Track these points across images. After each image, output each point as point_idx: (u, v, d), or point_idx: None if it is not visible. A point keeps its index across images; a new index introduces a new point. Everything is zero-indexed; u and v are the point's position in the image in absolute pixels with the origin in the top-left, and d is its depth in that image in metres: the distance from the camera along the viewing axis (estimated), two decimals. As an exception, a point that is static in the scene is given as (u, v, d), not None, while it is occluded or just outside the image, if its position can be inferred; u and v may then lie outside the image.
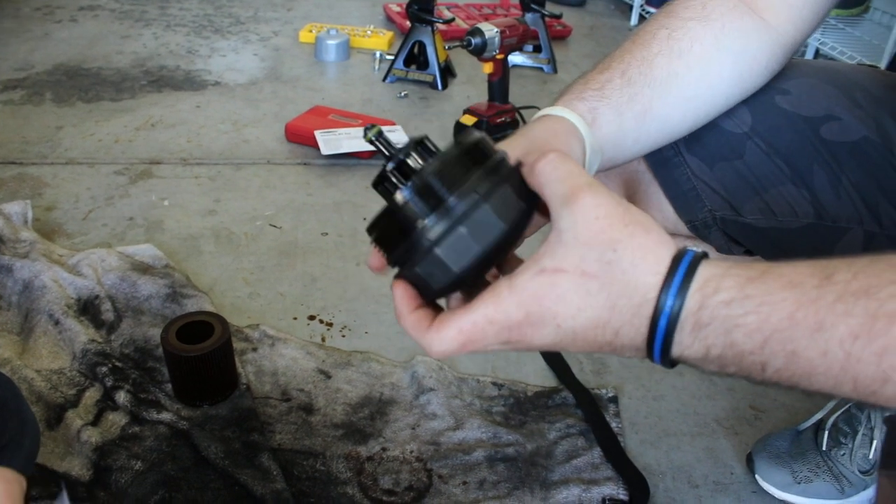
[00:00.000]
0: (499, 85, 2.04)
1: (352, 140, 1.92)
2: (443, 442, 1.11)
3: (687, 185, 0.88)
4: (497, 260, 0.57)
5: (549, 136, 0.67)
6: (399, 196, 0.51)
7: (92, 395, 1.16)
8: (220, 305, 1.38)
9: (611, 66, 0.76)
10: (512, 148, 0.65)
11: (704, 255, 0.50)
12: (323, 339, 1.32)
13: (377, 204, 0.52)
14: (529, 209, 0.54)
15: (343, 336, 1.33)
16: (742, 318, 0.48)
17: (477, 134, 0.55)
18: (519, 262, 0.59)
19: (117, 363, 1.20)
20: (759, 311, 0.47)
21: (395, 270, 0.56)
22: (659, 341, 0.50)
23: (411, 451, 1.09)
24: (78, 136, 2.02)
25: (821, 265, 0.48)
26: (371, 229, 0.55)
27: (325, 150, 1.88)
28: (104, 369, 1.18)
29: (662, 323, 0.49)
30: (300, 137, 2.00)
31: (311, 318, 1.37)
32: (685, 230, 0.91)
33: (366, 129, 0.56)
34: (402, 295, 0.55)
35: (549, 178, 0.52)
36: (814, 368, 0.46)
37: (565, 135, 0.68)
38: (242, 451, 1.06)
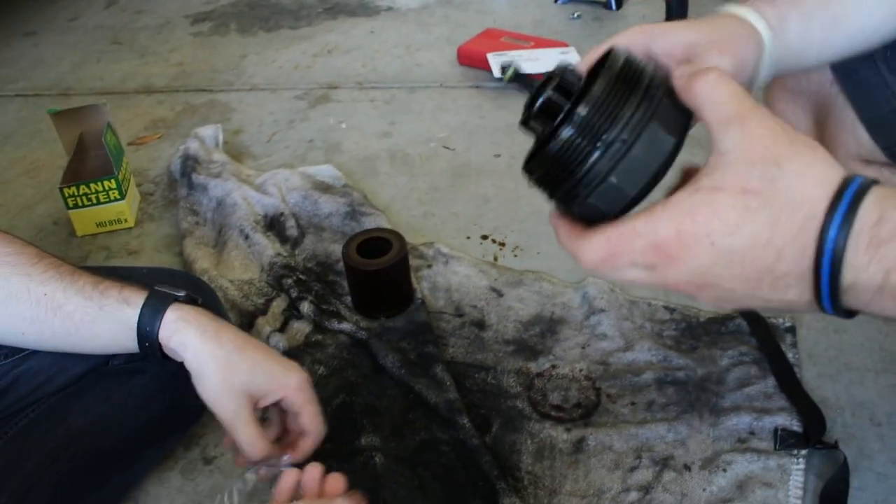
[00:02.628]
0: (677, 4, 1.96)
1: (524, 62, 1.90)
2: (612, 362, 1.11)
3: (886, 108, 0.81)
4: (660, 179, 0.56)
5: (727, 37, 0.64)
6: (561, 135, 0.51)
7: (279, 304, 1.24)
8: (396, 224, 1.42)
9: None
10: (686, 33, 0.62)
11: (876, 181, 0.46)
12: (495, 259, 1.34)
13: (548, 128, 0.52)
14: (688, 124, 0.53)
15: (515, 256, 1.35)
16: None
17: (621, 51, 0.53)
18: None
19: (301, 276, 1.27)
20: None
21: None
22: (827, 260, 0.45)
23: (580, 370, 1.11)
24: (260, 64, 2.12)
25: None
26: (530, 170, 0.55)
27: (497, 73, 1.87)
28: (289, 281, 1.25)
29: (831, 235, 0.44)
30: (472, 60, 2.00)
31: (484, 237, 1.40)
32: (882, 157, 0.85)
33: (503, 67, 0.55)
34: (559, 215, 0.56)
35: (709, 99, 0.49)
36: None
37: (745, 41, 0.65)
38: (418, 361, 1.11)
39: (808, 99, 0.87)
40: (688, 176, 0.57)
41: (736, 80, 0.62)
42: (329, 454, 0.99)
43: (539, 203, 1.45)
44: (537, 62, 1.88)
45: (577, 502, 0.94)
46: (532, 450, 1.00)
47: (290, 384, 0.82)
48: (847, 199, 0.44)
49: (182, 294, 0.84)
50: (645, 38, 0.63)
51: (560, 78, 0.54)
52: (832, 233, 0.44)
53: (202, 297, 0.98)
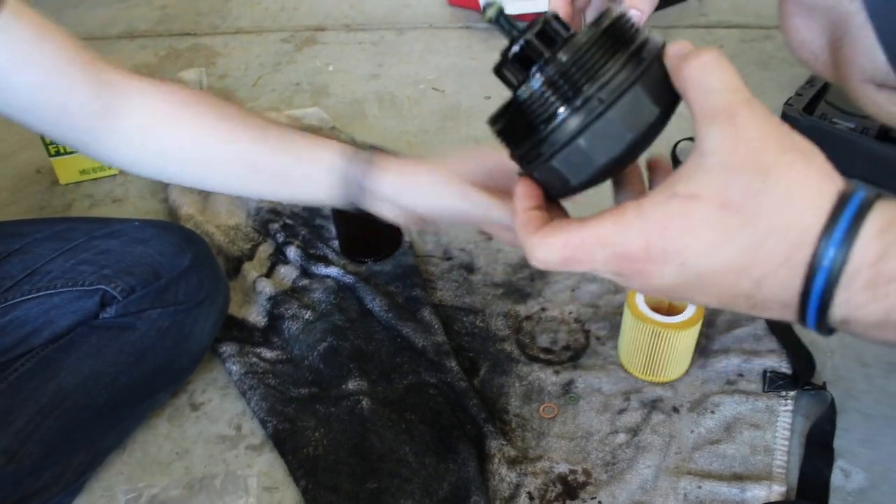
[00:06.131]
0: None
1: (516, 2, 1.86)
2: (602, 305, 1.10)
3: None
4: (635, 157, 0.51)
5: None
6: (530, 83, 0.46)
7: (265, 249, 1.22)
8: (384, 168, 1.40)
9: None
10: None
11: (879, 196, 0.40)
12: (483, 202, 1.32)
13: (539, 68, 0.46)
14: (678, 99, 0.47)
15: (503, 199, 1.33)
16: None
17: (615, 13, 0.47)
18: (640, 183, 0.54)
19: (287, 221, 1.25)
20: None
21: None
22: (816, 297, 0.40)
23: (570, 313, 1.10)
24: (246, 6, 2.07)
25: None
26: (494, 120, 0.50)
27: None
28: (276, 226, 1.23)
29: (821, 276, 0.39)
30: (463, 1, 1.95)
31: (473, 181, 1.38)
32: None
33: (484, 8, 0.49)
34: (524, 194, 0.50)
35: (697, 85, 0.43)
36: None
37: None
38: (405, 305, 1.10)
39: (825, 15, 0.83)
40: (653, 168, 0.52)
41: None
42: (316, 398, 0.99)
43: (529, 146, 1.44)
44: (527, 2, 1.84)
45: (566, 445, 0.94)
46: (520, 393, 1.00)
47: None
48: (843, 226, 0.39)
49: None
50: None
51: (544, 24, 0.49)
52: (821, 275, 0.39)
53: (193, 248, 0.98)
